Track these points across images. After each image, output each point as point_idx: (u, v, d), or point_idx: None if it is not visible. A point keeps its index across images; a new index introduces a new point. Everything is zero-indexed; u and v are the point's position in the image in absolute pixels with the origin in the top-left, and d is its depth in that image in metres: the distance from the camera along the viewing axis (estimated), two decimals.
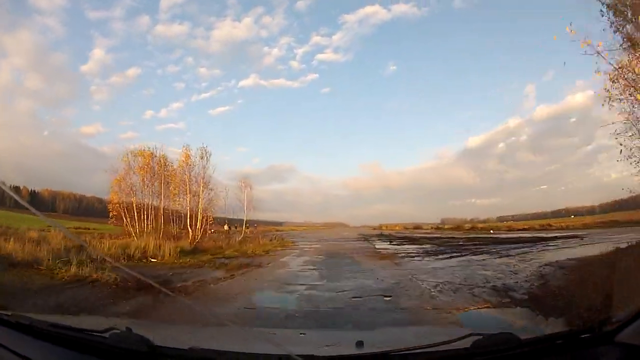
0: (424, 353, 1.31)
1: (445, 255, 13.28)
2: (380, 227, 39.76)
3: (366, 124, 65.56)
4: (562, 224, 26.86)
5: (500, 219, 28.00)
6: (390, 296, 6.52)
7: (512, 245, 16.79)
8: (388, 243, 21.40)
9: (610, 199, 26.59)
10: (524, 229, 27.62)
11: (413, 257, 13.30)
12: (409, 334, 2.48)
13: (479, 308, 6.07)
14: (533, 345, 1.35)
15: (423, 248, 17.26)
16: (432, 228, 28.01)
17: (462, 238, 24.21)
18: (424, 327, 4.18)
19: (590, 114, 26.60)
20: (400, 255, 14.07)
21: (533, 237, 22.29)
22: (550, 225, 27.00)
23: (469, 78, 33.31)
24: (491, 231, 26.08)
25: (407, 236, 27.01)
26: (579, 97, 26.19)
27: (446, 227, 28.12)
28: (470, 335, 1.36)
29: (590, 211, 27.19)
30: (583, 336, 1.34)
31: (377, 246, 19.47)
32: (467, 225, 28.53)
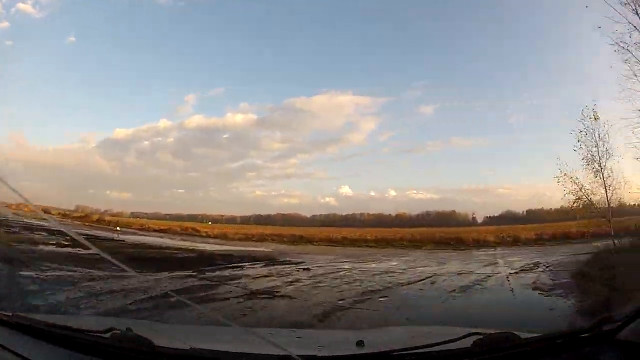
0: (424, 353, 1.30)
1: None
2: None
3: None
4: (210, 231, 24.00)
5: (134, 215, 26.99)
6: None
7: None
8: None
9: (251, 212, 28.04)
10: (161, 230, 23.29)
11: None
12: (409, 333, 2.47)
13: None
14: (533, 345, 1.35)
15: None
16: (59, 214, 25.18)
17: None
18: (424, 327, 4.17)
19: (247, 135, 28.50)
20: None
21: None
22: (196, 231, 23.52)
23: (123, 75, 33.30)
24: (117, 228, 21.27)
25: None
26: (239, 117, 27.55)
27: (75, 215, 26.00)
28: (470, 334, 1.36)
29: (230, 220, 27.89)
30: (583, 335, 1.34)
31: None
32: (95, 216, 25.35)
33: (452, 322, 5.41)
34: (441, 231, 22.07)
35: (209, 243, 19.09)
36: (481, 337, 1.32)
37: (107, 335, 1.39)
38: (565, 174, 13.30)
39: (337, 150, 33.76)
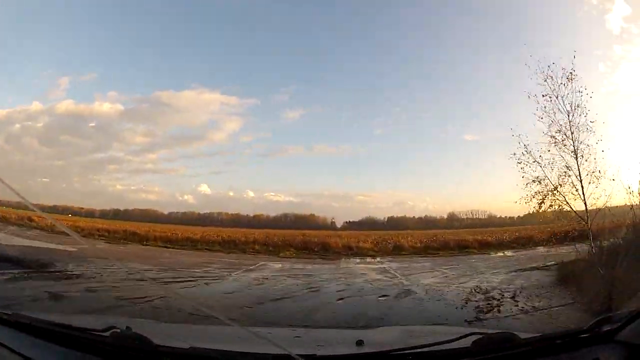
0: (424, 352, 1.31)
1: None
2: None
3: None
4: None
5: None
6: None
7: None
8: None
9: (110, 206, 26.02)
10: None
11: None
12: (409, 333, 2.47)
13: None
14: (533, 345, 1.35)
15: None
16: None
17: None
18: (425, 327, 4.18)
19: (112, 126, 27.77)
20: None
21: None
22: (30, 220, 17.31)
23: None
24: None
25: None
26: (106, 106, 26.69)
27: None
28: (470, 334, 1.36)
29: (89, 214, 25.32)
30: (583, 335, 1.35)
31: None
32: None
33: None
34: (302, 234, 18.55)
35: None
36: (481, 337, 1.32)
37: (107, 333, 1.39)
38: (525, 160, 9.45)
39: (199, 148, 32.30)
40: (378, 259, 14.04)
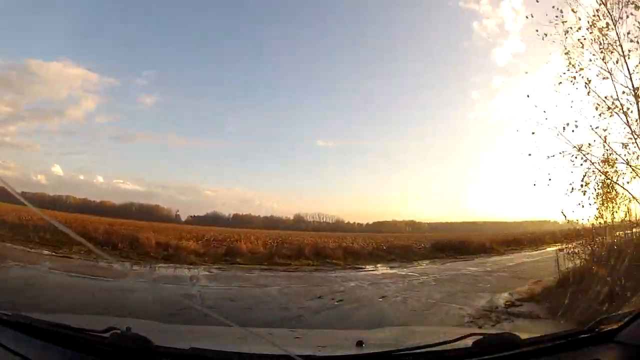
0: (424, 353, 1.30)
1: None
2: None
3: None
4: None
5: None
6: None
7: None
8: None
9: None
10: None
11: None
12: (409, 333, 2.47)
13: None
14: (533, 345, 1.35)
15: None
16: None
17: None
18: (425, 327, 4.18)
19: None
20: None
21: None
22: None
23: None
24: None
25: None
26: None
27: None
28: (470, 335, 1.36)
29: None
30: (583, 336, 1.35)
31: None
32: None
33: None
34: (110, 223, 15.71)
35: None
36: (481, 337, 1.32)
37: (107, 334, 1.39)
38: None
39: (58, 125, 30.99)
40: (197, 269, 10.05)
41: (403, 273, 10.83)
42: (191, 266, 10.40)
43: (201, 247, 12.62)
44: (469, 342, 1.31)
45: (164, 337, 1.53)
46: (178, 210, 27.09)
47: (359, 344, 1.52)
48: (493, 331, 1.43)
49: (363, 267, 11.76)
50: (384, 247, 14.91)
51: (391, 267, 11.82)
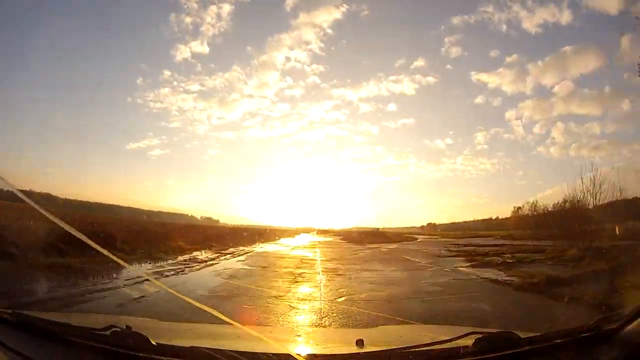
0: (424, 352, 1.30)
1: None
2: None
3: None
4: None
5: None
6: None
7: None
8: None
9: None
10: None
11: None
12: (409, 332, 2.48)
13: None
14: (534, 344, 1.34)
15: None
16: None
17: None
18: (425, 326, 4.19)
19: None
20: None
21: None
22: None
23: None
24: None
25: None
26: None
27: None
28: (471, 333, 1.36)
29: None
30: (583, 335, 1.34)
31: None
32: None
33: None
34: None
35: None
36: (481, 336, 1.32)
37: (107, 332, 1.39)
38: None
39: None
40: None
41: None
42: None
43: None
44: (469, 341, 1.31)
45: (164, 335, 1.53)
46: None
47: (359, 342, 1.52)
48: (493, 330, 1.42)
49: None
50: None
51: None
